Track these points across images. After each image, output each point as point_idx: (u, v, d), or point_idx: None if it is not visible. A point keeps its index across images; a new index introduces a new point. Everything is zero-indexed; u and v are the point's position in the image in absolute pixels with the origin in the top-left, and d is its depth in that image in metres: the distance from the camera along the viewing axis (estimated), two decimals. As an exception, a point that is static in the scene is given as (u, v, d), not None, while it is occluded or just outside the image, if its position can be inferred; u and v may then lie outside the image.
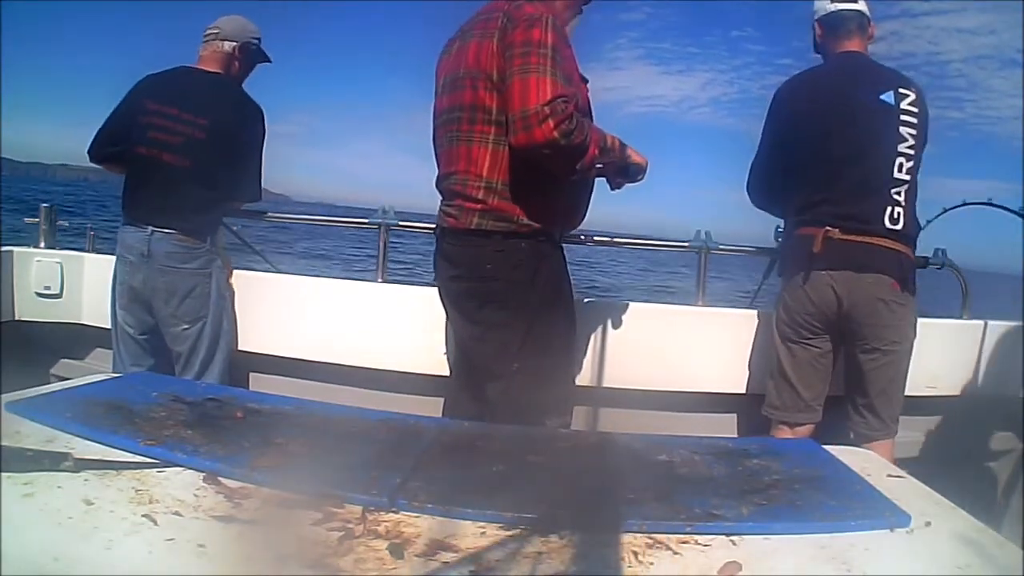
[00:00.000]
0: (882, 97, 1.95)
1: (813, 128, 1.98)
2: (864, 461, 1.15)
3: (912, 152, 1.93)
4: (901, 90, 1.95)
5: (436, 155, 1.79)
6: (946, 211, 2.34)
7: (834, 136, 1.95)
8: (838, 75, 2.03)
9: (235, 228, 2.60)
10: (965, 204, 2.42)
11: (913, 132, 1.93)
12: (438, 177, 1.78)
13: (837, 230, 1.89)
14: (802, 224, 2.00)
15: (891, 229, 1.91)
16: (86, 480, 0.86)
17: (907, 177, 1.93)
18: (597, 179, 1.83)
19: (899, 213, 1.92)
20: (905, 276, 1.92)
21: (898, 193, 1.92)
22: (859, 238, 1.90)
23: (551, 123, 1.47)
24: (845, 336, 1.98)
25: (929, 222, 2.21)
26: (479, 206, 1.64)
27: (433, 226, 1.86)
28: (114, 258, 2.26)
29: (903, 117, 1.93)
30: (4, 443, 0.90)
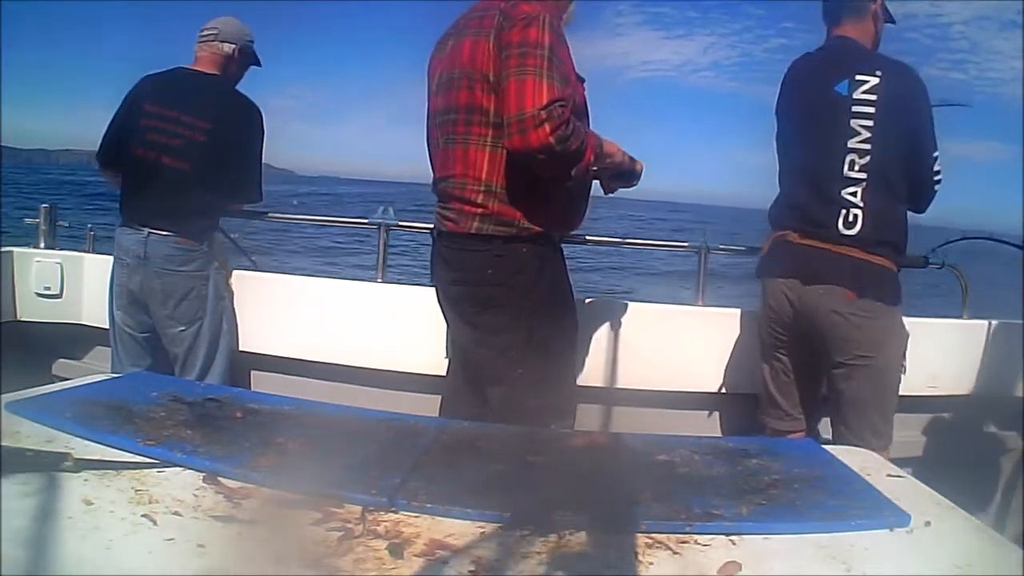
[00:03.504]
0: (836, 88, 1.79)
1: (781, 127, 1.95)
2: (864, 461, 1.15)
3: (867, 147, 1.75)
4: (859, 76, 1.77)
5: (431, 156, 1.75)
6: (948, 243, 2.30)
7: (793, 135, 1.90)
8: (802, 68, 1.94)
9: (233, 235, 2.59)
10: (964, 238, 2.39)
11: (867, 124, 1.75)
12: (434, 179, 1.74)
13: (796, 234, 1.82)
14: (773, 228, 1.95)
15: (845, 234, 1.75)
16: (86, 480, 0.86)
17: (861, 175, 1.75)
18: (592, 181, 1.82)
19: (855, 216, 1.75)
20: (864, 284, 1.74)
21: (852, 194, 1.75)
22: (813, 243, 1.79)
23: (547, 128, 1.43)
24: (808, 348, 1.86)
25: (934, 250, 2.24)
26: (479, 210, 1.61)
27: (432, 226, 1.85)
28: (112, 259, 2.26)
29: (855, 108, 1.76)
30: (4, 443, 0.90)
